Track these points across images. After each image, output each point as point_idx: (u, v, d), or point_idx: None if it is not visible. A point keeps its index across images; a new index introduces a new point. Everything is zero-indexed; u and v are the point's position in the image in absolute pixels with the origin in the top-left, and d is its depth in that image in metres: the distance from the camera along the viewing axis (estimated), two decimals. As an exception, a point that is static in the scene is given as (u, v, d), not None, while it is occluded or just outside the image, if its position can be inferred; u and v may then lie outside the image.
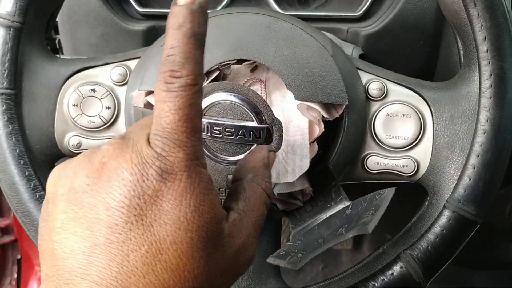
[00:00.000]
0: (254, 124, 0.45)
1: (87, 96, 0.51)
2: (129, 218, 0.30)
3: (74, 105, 0.51)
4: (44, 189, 0.49)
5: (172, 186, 0.31)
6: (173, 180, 0.31)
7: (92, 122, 0.51)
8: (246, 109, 0.45)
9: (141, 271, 0.30)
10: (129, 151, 0.31)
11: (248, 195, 0.37)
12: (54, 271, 0.32)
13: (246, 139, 0.45)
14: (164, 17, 0.70)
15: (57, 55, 0.55)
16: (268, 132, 0.45)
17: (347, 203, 0.49)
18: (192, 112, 0.31)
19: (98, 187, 0.31)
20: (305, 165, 0.48)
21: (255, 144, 0.45)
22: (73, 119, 0.51)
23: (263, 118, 0.45)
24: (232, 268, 0.34)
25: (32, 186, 0.49)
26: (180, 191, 0.31)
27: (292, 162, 0.48)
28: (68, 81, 0.51)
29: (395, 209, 0.95)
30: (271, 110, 0.45)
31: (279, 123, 0.45)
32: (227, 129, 0.45)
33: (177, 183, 0.31)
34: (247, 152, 0.44)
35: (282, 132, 0.45)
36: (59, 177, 0.33)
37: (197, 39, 0.31)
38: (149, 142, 0.31)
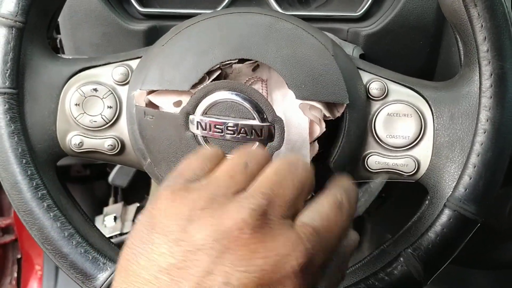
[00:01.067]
0: (256, 122, 0.45)
1: (89, 96, 0.51)
2: None
3: (76, 104, 0.51)
4: (46, 188, 0.49)
5: None
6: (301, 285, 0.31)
7: (94, 121, 0.51)
8: (248, 108, 0.45)
9: None
10: (272, 233, 0.30)
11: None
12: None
13: (247, 137, 0.45)
14: (165, 17, 0.70)
15: (59, 55, 0.55)
16: (269, 130, 0.45)
17: None
18: (343, 237, 0.35)
19: (224, 258, 0.30)
20: None
21: (257, 143, 0.45)
22: (75, 118, 0.51)
23: (265, 116, 0.45)
24: None
25: (34, 185, 0.49)
26: None
27: None
28: (70, 80, 0.51)
29: (395, 208, 0.96)
30: (273, 108, 0.45)
31: (280, 121, 0.45)
32: (228, 128, 0.45)
33: None
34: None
35: (284, 130, 0.46)
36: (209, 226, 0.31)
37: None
38: (294, 228, 0.32)
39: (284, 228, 0.31)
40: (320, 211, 0.33)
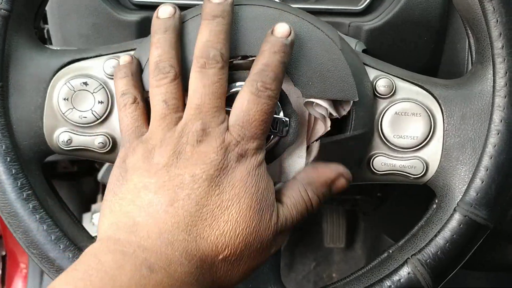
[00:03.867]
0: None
1: (79, 90, 0.48)
2: (210, 182, 0.39)
3: (64, 99, 0.48)
4: (31, 188, 0.46)
5: (244, 164, 0.40)
6: (245, 161, 0.40)
7: (84, 117, 0.48)
8: None
9: (209, 222, 0.39)
10: (215, 137, 0.40)
11: (291, 192, 0.44)
12: (121, 219, 0.39)
13: None
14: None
15: (47, 46, 0.52)
16: (284, 124, 0.44)
17: None
18: (271, 117, 0.41)
19: (187, 162, 0.39)
20: (301, 165, 0.46)
21: (271, 136, 0.45)
22: (63, 114, 0.48)
23: (281, 109, 0.44)
24: (271, 238, 0.41)
25: (19, 185, 0.46)
26: (250, 167, 0.40)
27: (288, 161, 0.46)
28: (59, 73, 0.48)
29: (392, 209, 0.94)
30: (290, 102, 0.44)
31: (296, 115, 0.44)
32: None
33: (248, 162, 0.40)
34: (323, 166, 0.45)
35: (299, 124, 0.44)
36: (145, 153, 0.41)
37: (285, 67, 0.42)
38: (228, 129, 0.40)
39: (220, 133, 0.40)
40: (242, 107, 0.41)
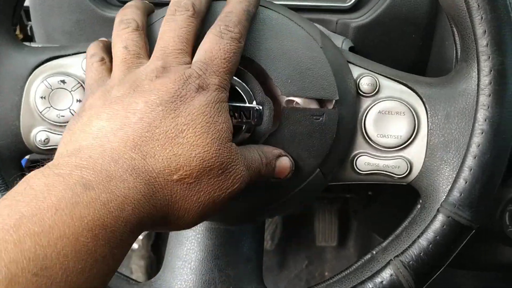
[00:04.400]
0: (244, 104, 0.43)
1: (56, 88, 0.47)
2: (165, 107, 0.38)
3: (41, 97, 0.47)
4: (7, 189, 0.45)
5: (204, 95, 0.39)
6: (205, 93, 0.39)
7: (62, 116, 0.47)
8: (237, 89, 0.43)
9: (161, 142, 0.37)
10: (174, 71, 0.39)
11: (253, 156, 0.42)
12: (67, 147, 0.37)
13: (236, 120, 0.43)
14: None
15: (26, 43, 0.51)
16: (258, 112, 0.43)
17: None
18: (234, 58, 0.41)
19: (144, 93, 0.38)
20: None
21: (244, 125, 0.44)
22: (40, 112, 0.47)
23: (253, 98, 0.43)
24: (231, 165, 0.39)
25: None
26: (209, 98, 0.39)
27: None
28: (36, 71, 0.47)
29: (383, 207, 0.93)
30: (262, 89, 0.43)
31: (269, 102, 0.43)
32: None
33: (208, 94, 0.39)
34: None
35: (273, 111, 0.43)
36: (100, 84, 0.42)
37: (250, 14, 0.43)
38: (189, 67, 0.40)
39: (181, 68, 0.40)
40: (204, 47, 0.41)
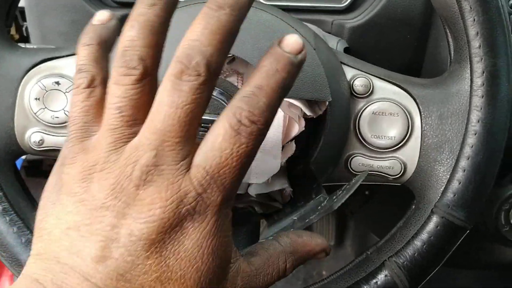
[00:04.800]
0: None
1: (51, 89, 0.47)
2: (149, 248, 0.30)
3: (36, 98, 0.47)
4: (2, 189, 0.45)
5: (199, 227, 0.31)
6: (201, 221, 0.31)
7: (56, 117, 0.47)
8: (224, 103, 0.42)
9: None
10: (167, 181, 0.30)
11: (267, 255, 0.36)
12: (47, 256, 0.31)
13: None
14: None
15: (20, 44, 0.51)
16: None
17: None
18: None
19: (128, 209, 0.30)
20: (276, 166, 0.45)
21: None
22: (35, 114, 0.47)
23: None
24: None
25: None
26: (205, 233, 0.31)
27: (263, 162, 0.45)
28: (30, 72, 0.47)
29: (379, 207, 0.94)
30: None
31: None
32: (202, 125, 0.42)
33: (204, 225, 0.31)
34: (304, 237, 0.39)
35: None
36: (84, 177, 0.31)
37: (284, 94, 0.31)
38: (189, 171, 0.30)
39: (176, 175, 0.30)
40: (213, 145, 0.30)
